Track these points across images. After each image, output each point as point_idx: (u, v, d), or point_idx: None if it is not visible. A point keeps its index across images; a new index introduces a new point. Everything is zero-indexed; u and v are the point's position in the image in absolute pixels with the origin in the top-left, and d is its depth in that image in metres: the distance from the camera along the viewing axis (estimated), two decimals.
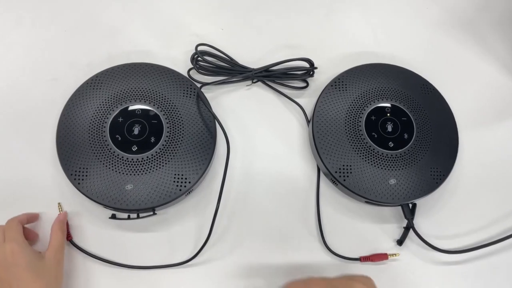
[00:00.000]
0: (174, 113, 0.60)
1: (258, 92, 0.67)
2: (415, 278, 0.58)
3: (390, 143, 0.61)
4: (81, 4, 0.70)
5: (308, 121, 0.65)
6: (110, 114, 0.59)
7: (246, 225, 0.59)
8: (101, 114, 0.59)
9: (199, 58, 0.64)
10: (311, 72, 0.66)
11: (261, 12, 0.73)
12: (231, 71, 0.66)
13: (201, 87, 0.63)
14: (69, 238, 0.56)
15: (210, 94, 0.65)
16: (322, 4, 0.75)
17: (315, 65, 0.65)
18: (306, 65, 0.66)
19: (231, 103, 0.66)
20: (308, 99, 0.67)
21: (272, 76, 0.66)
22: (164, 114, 0.60)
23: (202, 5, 0.73)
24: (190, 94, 0.62)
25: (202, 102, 0.62)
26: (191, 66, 0.65)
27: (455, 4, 0.76)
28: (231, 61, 0.66)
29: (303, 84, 0.67)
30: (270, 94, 0.67)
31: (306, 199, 0.61)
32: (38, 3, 0.70)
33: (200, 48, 0.65)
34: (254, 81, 0.67)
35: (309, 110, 0.66)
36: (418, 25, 0.75)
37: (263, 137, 0.64)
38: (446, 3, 0.76)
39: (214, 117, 0.60)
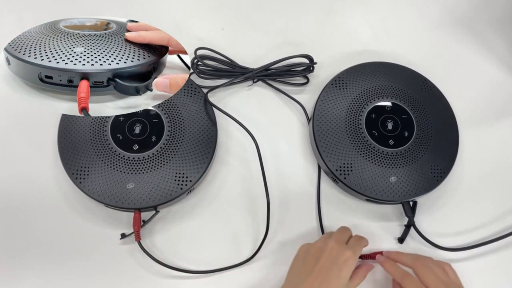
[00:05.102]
0: (175, 112, 0.61)
1: (259, 92, 0.67)
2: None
3: (390, 141, 0.61)
4: (81, 5, 0.71)
5: (308, 120, 0.65)
6: None
7: (247, 224, 0.60)
8: None
9: (199, 63, 0.64)
10: (311, 68, 0.66)
11: (262, 12, 0.73)
12: (231, 72, 0.66)
13: (207, 92, 0.63)
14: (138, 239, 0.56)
15: (211, 96, 0.65)
16: (322, 3, 0.75)
17: (315, 61, 0.66)
18: (306, 61, 0.66)
19: (232, 104, 0.66)
20: (309, 97, 0.67)
21: (273, 74, 0.66)
22: (165, 114, 0.60)
23: (202, 5, 0.73)
24: (191, 93, 0.63)
25: (215, 107, 0.62)
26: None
27: (455, 2, 0.76)
28: (231, 63, 0.66)
29: (304, 80, 0.68)
30: (271, 93, 0.67)
31: (306, 198, 0.62)
32: (39, 4, 0.70)
33: (199, 52, 0.64)
34: (254, 80, 0.67)
35: (309, 108, 0.66)
36: (418, 23, 0.75)
37: (264, 136, 0.64)
38: (446, 2, 0.76)
39: (233, 119, 0.60)
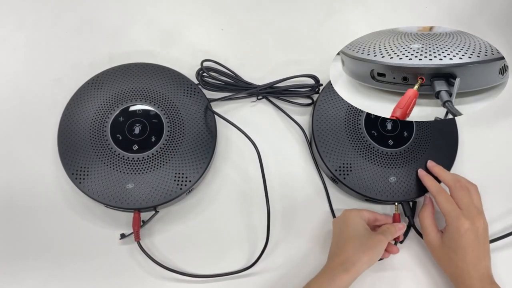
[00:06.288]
0: (174, 112, 0.61)
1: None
2: (415, 276, 0.58)
3: (390, 141, 0.61)
4: (82, 5, 0.71)
5: (308, 142, 0.64)
6: (111, 113, 0.59)
7: (247, 224, 0.60)
8: (102, 114, 0.59)
9: (204, 74, 0.64)
10: (316, 89, 0.65)
11: (261, 12, 0.73)
12: (236, 87, 0.65)
13: (209, 102, 0.63)
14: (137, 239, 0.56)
15: (215, 107, 0.65)
16: (322, 4, 0.75)
17: (321, 83, 0.65)
18: (311, 81, 0.64)
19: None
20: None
21: (277, 92, 0.65)
22: (164, 114, 0.60)
23: (203, 5, 0.73)
24: (191, 94, 0.63)
25: (218, 115, 0.62)
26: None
27: (454, 3, 0.76)
28: (236, 77, 0.65)
29: (307, 101, 0.66)
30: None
31: (307, 198, 0.62)
32: (40, 5, 0.70)
33: (205, 64, 0.64)
34: (259, 97, 0.66)
35: (309, 129, 0.65)
36: (417, 24, 0.74)
37: (265, 138, 0.64)
38: (444, 3, 0.76)
39: (236, 127, 0.60)
